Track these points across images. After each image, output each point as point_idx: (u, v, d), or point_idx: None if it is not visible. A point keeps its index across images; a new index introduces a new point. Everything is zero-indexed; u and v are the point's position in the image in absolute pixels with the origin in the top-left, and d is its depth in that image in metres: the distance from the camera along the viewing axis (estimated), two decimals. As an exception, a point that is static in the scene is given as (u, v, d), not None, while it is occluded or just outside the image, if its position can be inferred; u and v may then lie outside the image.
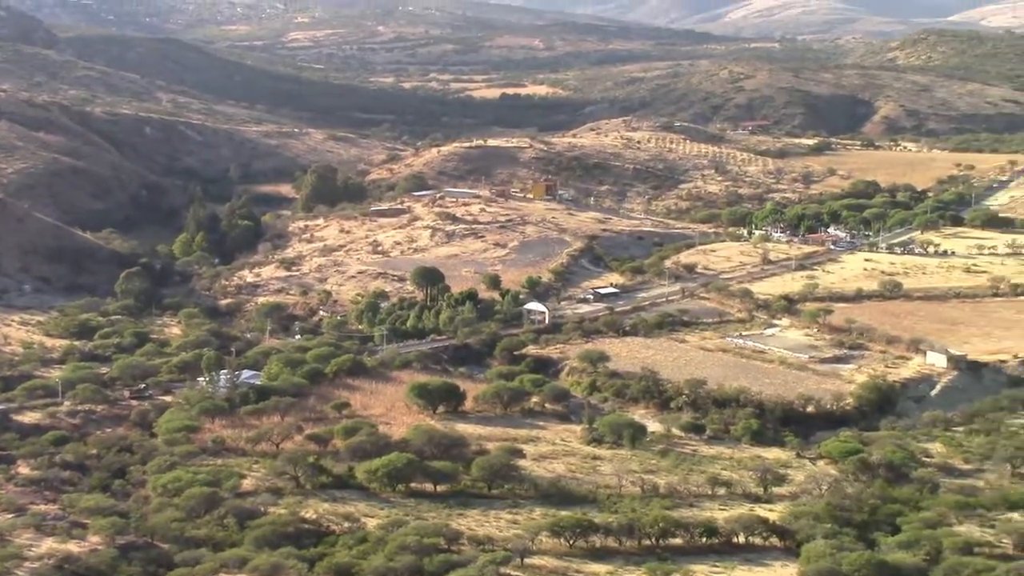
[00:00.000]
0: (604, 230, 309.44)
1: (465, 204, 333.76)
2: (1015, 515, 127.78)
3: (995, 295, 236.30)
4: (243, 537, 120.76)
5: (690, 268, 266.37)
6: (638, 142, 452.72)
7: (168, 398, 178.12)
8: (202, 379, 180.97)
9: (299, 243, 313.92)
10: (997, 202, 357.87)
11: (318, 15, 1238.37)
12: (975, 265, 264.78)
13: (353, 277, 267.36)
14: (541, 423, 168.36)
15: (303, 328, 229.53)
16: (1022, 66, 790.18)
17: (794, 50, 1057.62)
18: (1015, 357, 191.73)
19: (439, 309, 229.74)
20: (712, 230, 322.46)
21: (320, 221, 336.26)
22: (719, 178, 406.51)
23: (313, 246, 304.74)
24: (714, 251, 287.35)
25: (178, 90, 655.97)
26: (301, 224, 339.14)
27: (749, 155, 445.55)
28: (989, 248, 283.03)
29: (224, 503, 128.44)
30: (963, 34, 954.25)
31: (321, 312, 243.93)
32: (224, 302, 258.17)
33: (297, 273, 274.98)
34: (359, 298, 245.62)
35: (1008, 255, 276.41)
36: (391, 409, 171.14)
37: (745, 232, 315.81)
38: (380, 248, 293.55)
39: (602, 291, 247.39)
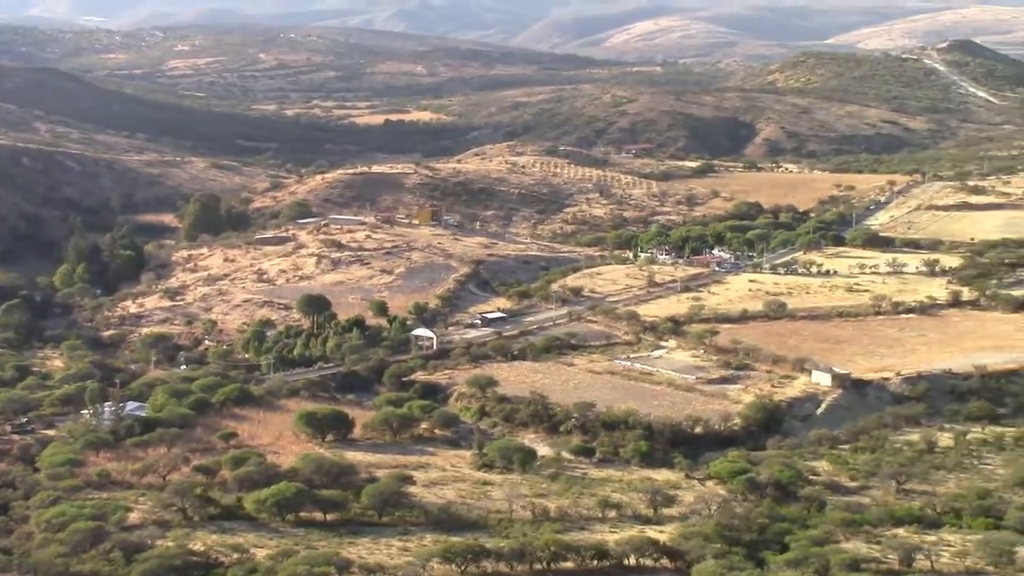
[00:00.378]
0: (490, 255, 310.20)
1: (350, 231, 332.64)
2: (900, 531, 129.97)
3: (877, 313, 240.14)
4: (130, 571, 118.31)
5: (577, 291, 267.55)
6: (523, 167, 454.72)
7: (51, 432, 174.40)
8: (86, 412, 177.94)
9: (183, 273, 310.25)
10: (877, 222, 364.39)
11: (198, 43, 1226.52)
12: (857, 284, 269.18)
13: (238, 306, 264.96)
14: (431, 449, 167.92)
15: (188, 358, 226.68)
16: (898, 88, 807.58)
17: (676, 73, 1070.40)
18: (898, 375, 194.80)
19: (326, 337, 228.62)
20: (598, 253, 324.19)
21: (204, 250, 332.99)
22: (604, 201, 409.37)
23: (197, 275, 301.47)
24: (600, 274, 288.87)
25: (57, 120, 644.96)
26: (185, 254, 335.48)
27: (633, 178, 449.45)
28: (870, 267, 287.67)
29: (110, 537, 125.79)
30: (841, 57, 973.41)
31: (207, 342, 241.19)
32: (107, 333, 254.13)
33: (181, 303, 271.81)
34: (245, 327, 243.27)
35: (889, 274, 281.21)
36: (279, 438, 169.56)
37: (631, 255, 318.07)
38: (265, 276, 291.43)
39: (489, 316, 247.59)
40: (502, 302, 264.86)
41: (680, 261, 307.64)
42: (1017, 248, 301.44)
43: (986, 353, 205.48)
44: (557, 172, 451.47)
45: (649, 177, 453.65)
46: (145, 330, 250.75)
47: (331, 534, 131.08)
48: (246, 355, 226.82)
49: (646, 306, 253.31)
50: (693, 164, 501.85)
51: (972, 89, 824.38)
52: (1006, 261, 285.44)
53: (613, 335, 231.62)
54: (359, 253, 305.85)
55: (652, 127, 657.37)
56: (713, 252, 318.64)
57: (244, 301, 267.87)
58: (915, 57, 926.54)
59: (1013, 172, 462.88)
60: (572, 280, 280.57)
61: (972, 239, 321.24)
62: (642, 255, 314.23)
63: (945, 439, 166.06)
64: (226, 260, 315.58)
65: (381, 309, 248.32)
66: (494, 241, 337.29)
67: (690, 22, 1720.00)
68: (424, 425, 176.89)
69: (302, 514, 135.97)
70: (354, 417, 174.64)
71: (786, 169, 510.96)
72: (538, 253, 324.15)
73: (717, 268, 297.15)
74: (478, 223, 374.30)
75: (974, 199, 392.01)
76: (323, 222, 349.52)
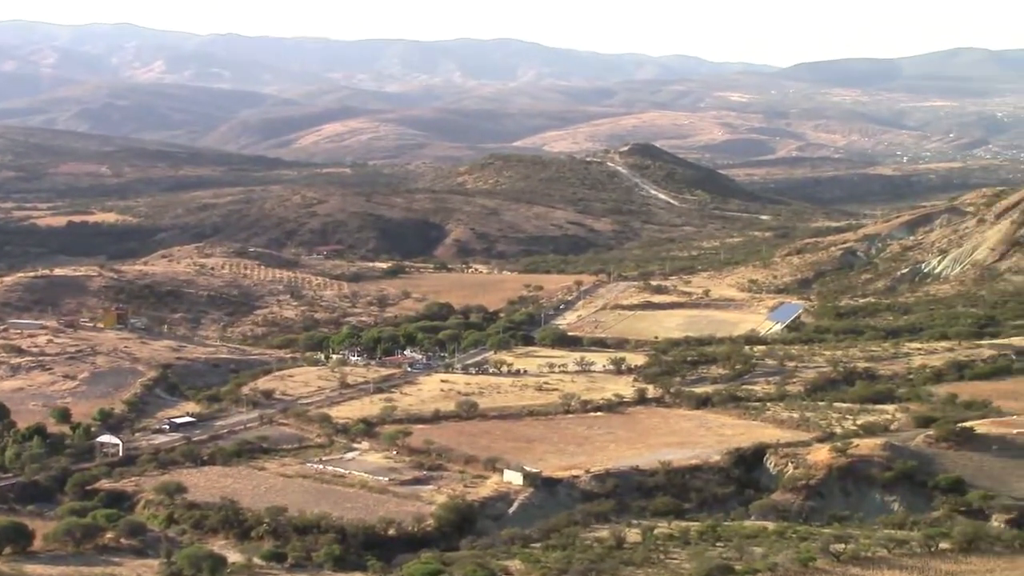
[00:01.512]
0: (179, 358, 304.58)
1: (31, 335, 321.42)
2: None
3: (567, 412, 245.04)
4: None
5: (268, 394, 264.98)
6: (212, 268, 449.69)
7: None
8: None
9: None
10: (565, 321, 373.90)
11: None
12: (547, 383, 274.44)
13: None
14: (117, 559, 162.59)
15: None
16: (584, 190, 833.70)
17: (366, 175, 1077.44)
18: (587, 472, 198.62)
19: (4, 446, 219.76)
20: (289, 355, 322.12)
21: None
22: (295, 303, 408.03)
23: None
24: (292, 376, 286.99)
25: None
26: None
27: (324, 279, 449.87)
28: (559, 366, 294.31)
29: None
30: (528, 159, 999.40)
31: None
32: None
33: None
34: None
35: (577, 372, 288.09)
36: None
37: (322, 356, 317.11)
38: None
39: (178, 421, 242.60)
40: (191, 406, 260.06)
41: (372, 362, 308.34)
42: (699, 346, 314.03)
43: (671, 449, 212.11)
44: (247, 274, 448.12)
45: (340, 278, 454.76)
46: None
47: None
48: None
49: (338, 408, 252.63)
50: (384, 265, 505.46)
51: (653, 191, 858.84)
52: (688, 359, 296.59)
53: (305, 438, 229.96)
54: (40, 358, 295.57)
55: (343, 228, 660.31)
56: (405, 353, 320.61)
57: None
58: (599, 160, 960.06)
59: (693, 272, 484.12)
60: (263, 383, 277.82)
61: (656, 337, 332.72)
62: (334, 357, 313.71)
63: (633, 535, 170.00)
64: None
65: (64, 416, 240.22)
66: (183, 344, 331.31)
67: (379, 124, 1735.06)
68: (109, 534, 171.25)
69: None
70: (34, 528, 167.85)
71: (476, 270, 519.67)
72: (228, 356, 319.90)
73: (409, 369, 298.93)
74: (166, 326, 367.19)
75: (657, 298, 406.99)
76: (2, 327, 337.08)
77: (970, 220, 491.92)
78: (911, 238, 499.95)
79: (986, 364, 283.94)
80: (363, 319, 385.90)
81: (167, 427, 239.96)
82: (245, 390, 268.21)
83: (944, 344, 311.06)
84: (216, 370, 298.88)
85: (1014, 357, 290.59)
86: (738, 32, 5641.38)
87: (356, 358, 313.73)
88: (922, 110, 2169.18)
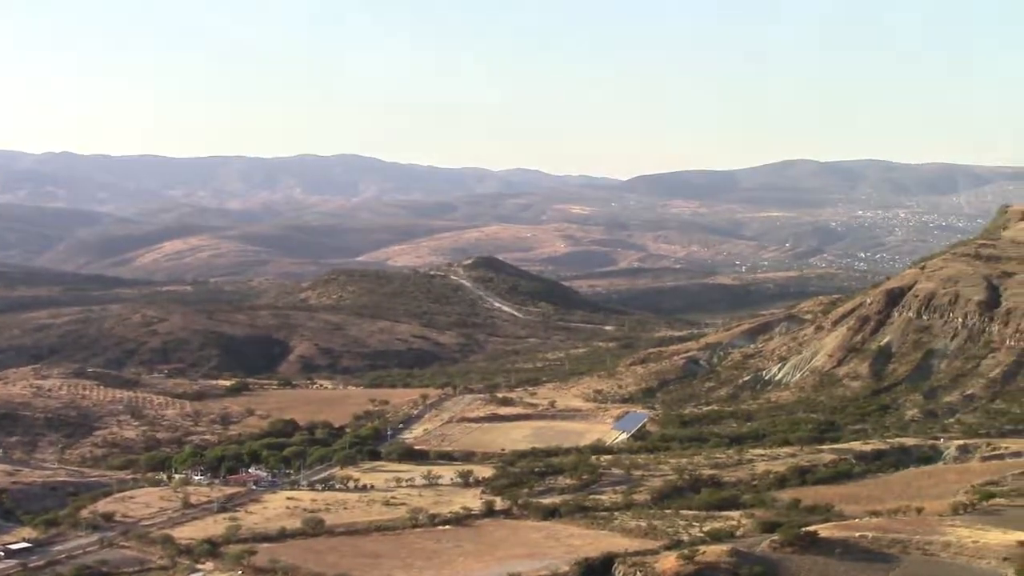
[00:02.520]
0: (14, 483, 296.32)
1: None
2: None
3: (415, 526, 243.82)
4: None
5: (108, 517, 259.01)
6: (49, 390, 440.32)
7: None
8: None
9: None
10: (412, 435, 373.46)
11: None
12: (394, 498, 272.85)
13: None
14: None
15: None
16: (428, 303, 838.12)
17: (208, 292, 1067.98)
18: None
19: None
20: (130, 476, 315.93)
21: None
22: (136, 423, 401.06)
23: None
24: (133, 498, 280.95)
25: None
26: None
27: (166, 398, 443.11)
28: (407, 480, 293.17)
29: None
30: (371, 273, 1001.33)
31: None
32: None
33: None
34: None
35: (425, 486, 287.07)
36: None
37: (165, 477, 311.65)
38: None
39: (13, 547, 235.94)
40: (27, 532, 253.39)
41: (216, 481, 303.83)
42: (546, 457, 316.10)
43: (520, 560, 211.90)
44: (86, 394, 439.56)
45: (182, 397, 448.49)
46: None
47: None
48: None
49: (182, 528, 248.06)
50: (227, 383, 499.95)
51: (498, 304, 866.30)
52: (536, 470, 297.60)
53: (147, 560, 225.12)
54: None
55: (185, 346, 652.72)
56: (250, 471, 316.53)
57: None
58: (443, 274, 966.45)
59: (539, 383, 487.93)
60: (103, 505, 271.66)
61: (503, 449, 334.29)
62: (176, 476, 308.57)
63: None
64: None
65: None
66: (18, 468, 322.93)
67: (220, 241, 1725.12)
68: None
69: None
70: None
71: (321, 385, 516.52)
72: (67, 479, 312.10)
73: (255, 487, 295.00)
74: (1, 450, 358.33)
75: (503, 410, 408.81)
76: None
77: (808, 327, 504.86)
78: (752, 346, 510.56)
79: (827, 469, 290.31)
80: (206, 437, 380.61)
81: (1, 554, 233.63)
82: (84, 513, 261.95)
83: (786, 450, 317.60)
84: (54, 493, 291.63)
85: (854, 461, 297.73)
86: (577, 146, 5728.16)
87: (199, 477, 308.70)
88: (759, 220, 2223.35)
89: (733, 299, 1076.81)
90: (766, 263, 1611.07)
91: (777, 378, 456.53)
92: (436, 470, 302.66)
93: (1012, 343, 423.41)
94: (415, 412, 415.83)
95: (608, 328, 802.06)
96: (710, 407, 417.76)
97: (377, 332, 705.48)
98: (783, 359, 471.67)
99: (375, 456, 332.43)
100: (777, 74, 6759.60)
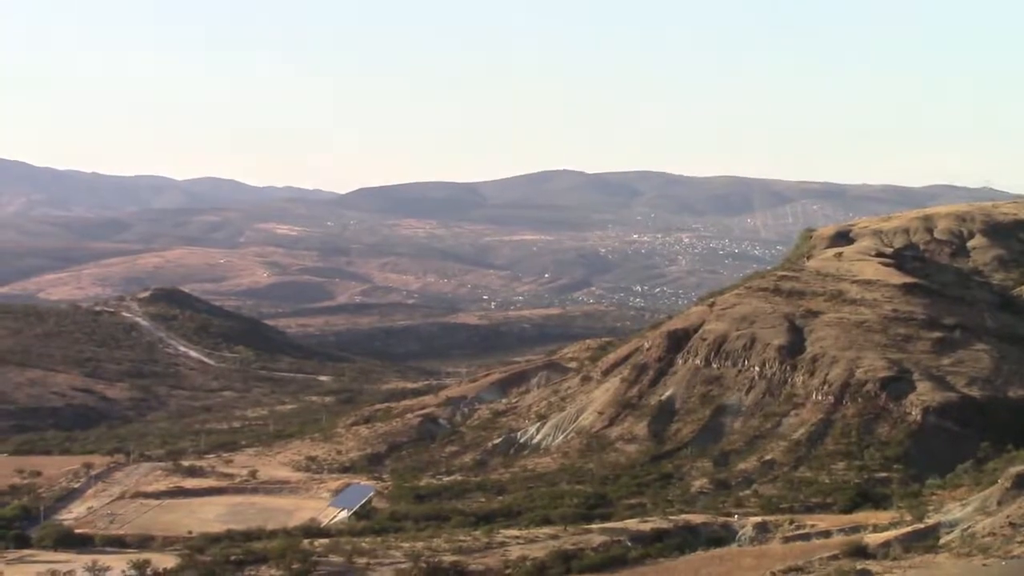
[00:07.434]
0: None
1: None
2: None
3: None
4: None
5: None
6: None
7: None
8: None
9: None
10: (72, 515, 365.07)
11: None
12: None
13: None
14: None
15: None
16: (92, 347, 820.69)
17: None
18: None
19: None
20: None
21: None
22: None
23: None
24: None
25: None
26: None
27: None
28: (65, 573, 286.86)
29: None
30: (18, 309, 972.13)
31: None
32: None
33: None
34: None
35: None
36: None
37: None
38: None
39: None
40: None
41: None
42: (245, 541, 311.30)
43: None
44: None
45: None
46: None
47: None
48: None
49: None
50: None
51: (183, 348, 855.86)
52: (232, 558, 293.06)
53: None
54: None
55: None
56: None
57: None
58: (112, 309, 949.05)
59: (236, 449, 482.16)
60: None
61: (190, 532, 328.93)
62: None
63: None
64: None
65: None
66: None
67: None
68: None
69: None
70: None
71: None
72: None
73: None
74: None
75: (190, 483, 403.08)
76: None
77: (573, 378, 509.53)
78: (503, 401, 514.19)
79: (597, 553, 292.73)
80: None
81: None
82: None
83: (547, 530, 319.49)
84: None
85: (630, 544, 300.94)
86: (282, 152, 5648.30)
87: None
88: (511, 245, 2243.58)
89: (480, 342, 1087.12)
90: (521, 298, 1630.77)
91: (535, 441, 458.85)
92: (103, 560, 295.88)
93: (819, 397, 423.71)
94: (76, 486, 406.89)
95: (323, 379, 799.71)
96: (452, 477, 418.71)
97: (26, 384, 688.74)
98: (542, 417, 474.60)
99: (23, 543, 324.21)
100: (526, 72, 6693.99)
